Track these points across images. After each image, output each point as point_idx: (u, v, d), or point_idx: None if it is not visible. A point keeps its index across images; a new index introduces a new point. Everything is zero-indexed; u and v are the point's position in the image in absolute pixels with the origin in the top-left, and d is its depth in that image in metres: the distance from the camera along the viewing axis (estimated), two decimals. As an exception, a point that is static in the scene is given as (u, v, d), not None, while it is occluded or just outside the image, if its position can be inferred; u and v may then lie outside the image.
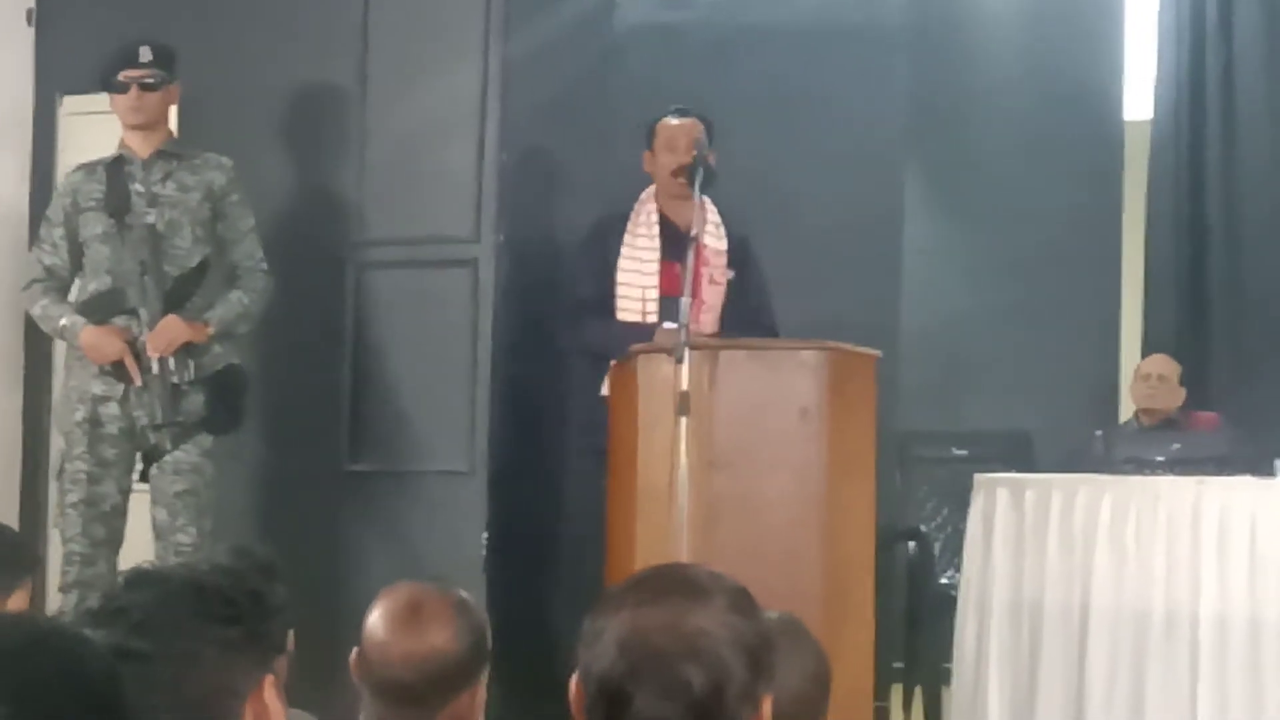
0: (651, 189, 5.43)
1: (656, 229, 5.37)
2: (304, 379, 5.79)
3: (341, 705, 2.97)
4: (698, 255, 4.89)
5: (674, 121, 5.37)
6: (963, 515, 5.63)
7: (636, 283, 5.31)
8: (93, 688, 1.57)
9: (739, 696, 1.87)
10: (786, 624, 2.43)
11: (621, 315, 5.30)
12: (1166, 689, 4.88)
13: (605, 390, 5.11)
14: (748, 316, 5.32)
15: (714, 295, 5.30)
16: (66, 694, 1.54)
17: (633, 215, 5.40)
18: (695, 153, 5.11)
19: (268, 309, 5.34)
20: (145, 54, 5.23)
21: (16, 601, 3.37)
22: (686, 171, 5.15)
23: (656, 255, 5.33)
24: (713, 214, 5.31)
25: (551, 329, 5.62)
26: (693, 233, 4.88)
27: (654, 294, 5.30)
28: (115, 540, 5.13)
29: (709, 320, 5.26)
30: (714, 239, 5.30)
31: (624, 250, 5.35)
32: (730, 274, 5.33)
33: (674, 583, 1.95)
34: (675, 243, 5.25)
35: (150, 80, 5.24)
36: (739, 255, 5.38)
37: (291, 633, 2.08)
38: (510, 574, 5.51)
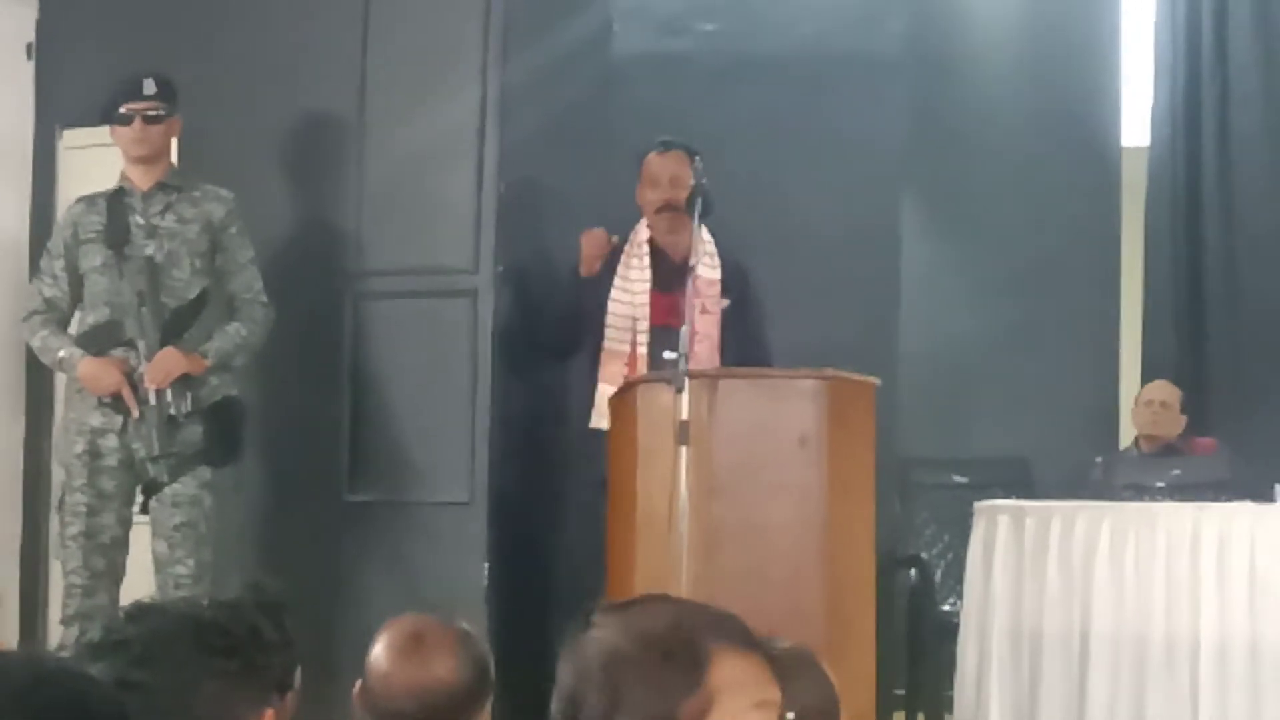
0: (644, 220, 5.45)
1: (647, 260, 5.38)
2: (303, 410, 5.78)
3: (344, 737, 2.97)
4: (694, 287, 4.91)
5: (657, 157, 5.39)
6: (963, 542, 5.64)
7: (627, 313, 5.32)
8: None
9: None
10: (797, 654, 2.45)
11: (610, 345, 5.30)
12: (1167, 714, 4.89)
13: (594, 423, 5.13)
14: (745, 346, 5.33)
15: (707, 324, 5.28)
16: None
17: (627, 245, 5.42)
18: (693, 182, 5.12)
19: (267, 340, 5.35)
20: (149, 86, 5.24)
21: None
22: (669, 208, 5.22)
23: (647, 286, 5.34)
24: (708, 243, 5.31)
25: (550, 359, 5.63)
26: (691, 262, 4.89)
27: (645, 324, 5.30)
28: (115, 572, 5.13)
29: (706, 349, 5.23)
30: (707, 269, 5.29)
31: (616, 280, 5.37)
32: (725, 302, 5.33)
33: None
34: (666, 273, 5.28)
35: (154, 113, 5.25)
36: (737, 284, 5.37)
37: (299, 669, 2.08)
38: (512, 604, 5.50)
